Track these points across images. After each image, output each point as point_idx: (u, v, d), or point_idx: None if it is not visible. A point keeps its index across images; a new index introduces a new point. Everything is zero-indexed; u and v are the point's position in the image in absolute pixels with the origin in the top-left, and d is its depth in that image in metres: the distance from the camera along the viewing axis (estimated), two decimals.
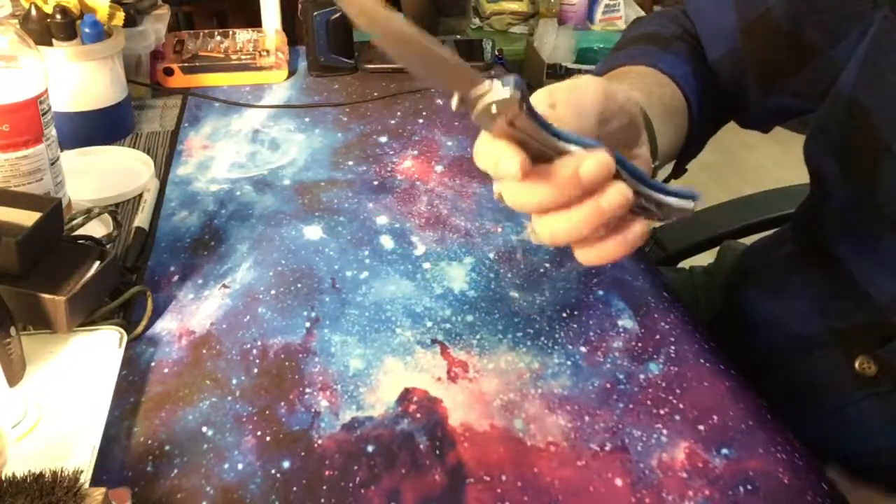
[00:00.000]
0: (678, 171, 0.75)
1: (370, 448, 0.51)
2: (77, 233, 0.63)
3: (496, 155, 0.38)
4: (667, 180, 0.73)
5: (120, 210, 0.74)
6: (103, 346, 0.56)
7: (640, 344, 0.60)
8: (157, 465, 0.50)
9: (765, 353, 0.66)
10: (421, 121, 0.95)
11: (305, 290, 0.65)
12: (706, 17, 0.69)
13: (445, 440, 0.52)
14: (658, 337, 0.61)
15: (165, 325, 0.61)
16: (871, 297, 0.59)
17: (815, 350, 0.64)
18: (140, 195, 0.77)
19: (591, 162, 0.38)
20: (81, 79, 0.84)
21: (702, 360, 0.59)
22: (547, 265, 0.69)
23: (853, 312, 0.61)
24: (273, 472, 0.49)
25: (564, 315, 0.63)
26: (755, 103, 0.69)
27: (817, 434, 0.53)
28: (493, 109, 0.36)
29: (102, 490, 0.40)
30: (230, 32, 1.11)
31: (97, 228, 0.68)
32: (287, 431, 0.52)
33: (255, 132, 0.91)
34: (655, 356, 0.59)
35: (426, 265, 0.68)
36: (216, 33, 1.10)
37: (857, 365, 0.60)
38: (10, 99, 0.61)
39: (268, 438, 0.52)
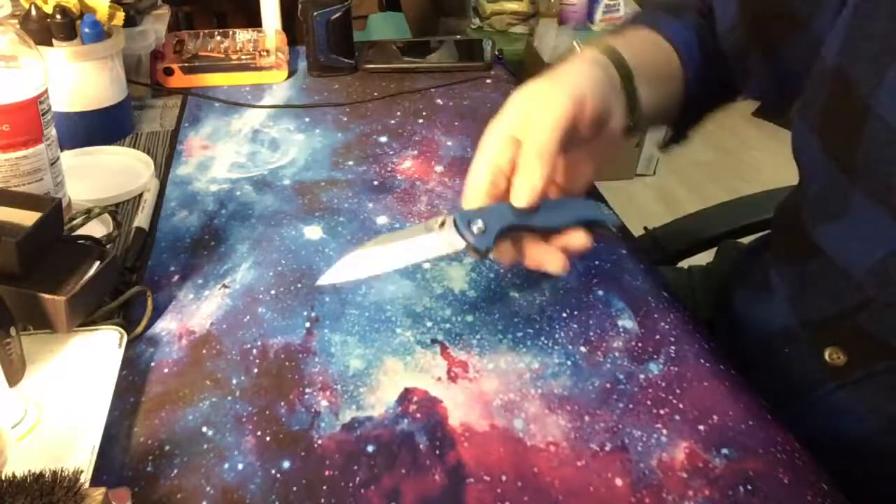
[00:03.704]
0: (679, 137, 0.78)
1: (370, 448, 0.51)
2: (77, 233, 0.63)
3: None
4: (667, 144, 0.79)
5: (120, 210, 0.74)
6: (103, 346, 0.56)
7: (640, 344, 0.60)
8: (157, 465, 0.50)
9: (750, 352, 0.67)
10: (421, 121, 0.95)
11: (305, 290, 0.65)
12: None
13: (445, 440, 0.52)
14: (658, 337, 0.61)
15: (165, 325, 0.61)
16: (846, 276, 0.60)
17: (788, 345, 0.65)
18: (140, 195, 0.77)
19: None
20: (81, 79, 0.84)
21: (702, 360, 0.59)
22: None
23: (823, 304, 0.62)
24: (273, 472, 0.49)
25: (564, 315, 0.63)
26: (755, 71, 0.71)
27: (795, 430, 0.54)
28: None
29: (102, 490, 0.40)
30: (230, 32, 1.11)
31: (97, 228, 0.68)
32: (287, 431, 0.52)
33: (255, 132, 0.91)
34: (655, 356, 0.59)
35: (426, 265, 0.68)
36: (216, 33, 1.10)
37: (826, 356, 0.61)
38: (10, 99, 0.61)
39: (268, 438, 0.52)
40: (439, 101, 1.00)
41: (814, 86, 0.61)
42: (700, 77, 0.69)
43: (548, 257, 0.55)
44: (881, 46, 0.55)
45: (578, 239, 0.55)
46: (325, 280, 0.55)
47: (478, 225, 0.53)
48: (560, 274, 0.56)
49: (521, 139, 0.54)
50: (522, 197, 0.53)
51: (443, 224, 0.54)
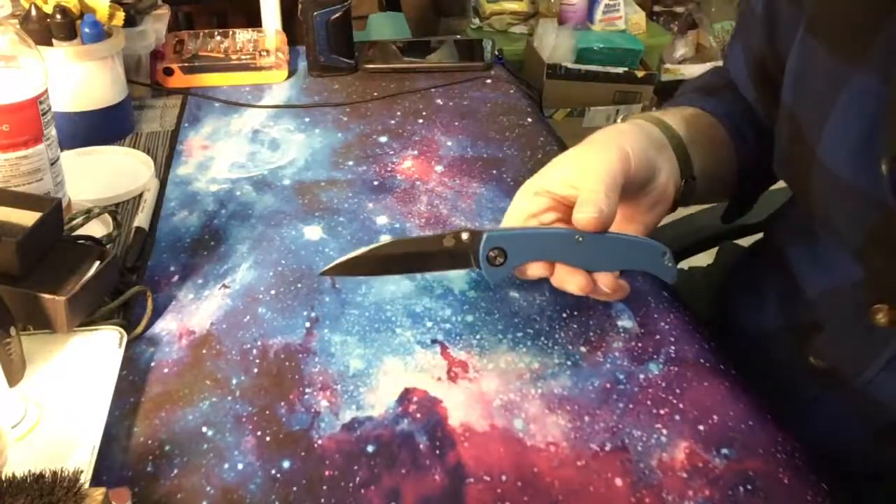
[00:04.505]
0: (739, 208, 0.75)
1: (370, 448, 0.51)
2: (77, 233, 0.63)
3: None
4: (729, 215, 0.75)
5: (120, 210, 0.74)
6: (103, 346, 0.56)
7: (640, 344, 0.60)
8: (157, 465, 0.50)
9: (746, 354, 0.67)
10: (421, 121, 0.95)
11: (305, 290, 0.65)
12: (733, 68, 0.72)
13: (445, 440, 0.52)
14: (658, 337, 0.61)
15: (165, 325, 0.61)
16: (808, 295, 0.61)
17: (778, 347, 0.66)
18: (140, 195, 0.77)
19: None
20: (81, 79, 0.84)
21: (702, 360, 0.59)
22: None
23: (803, 312, 0.63)
24: (273, 472, 0.49)
25: (564, 315, 0.63)
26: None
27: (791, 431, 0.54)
28: None
29: (102, 490, 0.40)
30: (230, 32, 1.11)
31: (97, 228, 0.68)
32: (287, 431, 0.52)
33: (255, 132, 0.92)
34: (655, 356, 0.59)
35: None
36: (216, 33, 1.10)
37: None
38: (10, 99, 0.61)
39: (268, 438, 0.52)
40: (439, 101, 1.00)
41: (778, 124, 0.61)
42: (748, 145, 0.69)
43: (571, 275, 0.53)
44: (820, 93, 0.54)
45: (609, 286, 0.53)
46: (327, 269, 0.54)
47: (498, 254, 0.52)
48: (580, 294, 0.54)
49: (570, 193, 0.53)
50: (586, 213, 0.51)
51: (469, 238, 0.53)
